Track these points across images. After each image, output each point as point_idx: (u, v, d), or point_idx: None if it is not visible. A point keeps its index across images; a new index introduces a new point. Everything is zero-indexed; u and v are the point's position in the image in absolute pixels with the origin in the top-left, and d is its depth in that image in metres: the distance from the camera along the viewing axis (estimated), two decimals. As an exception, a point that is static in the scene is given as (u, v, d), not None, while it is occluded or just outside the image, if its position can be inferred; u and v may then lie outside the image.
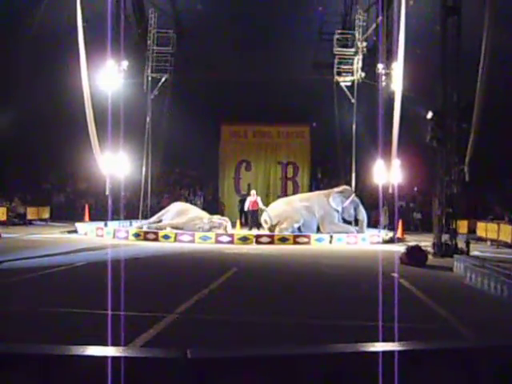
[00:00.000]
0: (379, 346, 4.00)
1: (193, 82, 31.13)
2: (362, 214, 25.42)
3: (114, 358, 3.21)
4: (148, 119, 30.47)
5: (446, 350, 3.93)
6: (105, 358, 3.27)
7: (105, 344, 5.15)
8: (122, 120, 24.78)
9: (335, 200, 25.03)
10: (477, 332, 7.71)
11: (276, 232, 23.83)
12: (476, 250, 19.78)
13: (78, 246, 18.74)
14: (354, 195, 25.61)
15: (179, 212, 24.87)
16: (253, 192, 26.94)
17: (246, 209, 26.64)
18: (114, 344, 5.46)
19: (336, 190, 25.85)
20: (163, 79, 31.27)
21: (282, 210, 24.87)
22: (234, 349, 3.78)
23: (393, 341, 5.73)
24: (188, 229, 23.44)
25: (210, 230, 23.44)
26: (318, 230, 24.43)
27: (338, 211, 24.94)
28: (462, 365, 3.71)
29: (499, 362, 3.73)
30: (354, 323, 8.25)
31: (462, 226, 23.36)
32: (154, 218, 25.66)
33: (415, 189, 34.39)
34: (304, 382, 3.41)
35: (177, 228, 23.59)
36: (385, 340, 5.97)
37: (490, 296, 11.17)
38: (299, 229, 24.26)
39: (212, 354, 3.55)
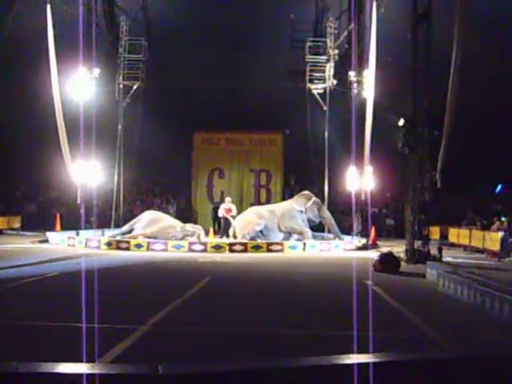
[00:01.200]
0: (354, 358, 3.96)
1: (165, 89, 30.99)
2: (327, 213, 25.66)
3: (83, 375, 3.14)
4: (120, 127, 30.25)
5: (422, 360, 3.90)
6: (74, 375, 3.20)
7: (74, 359, 5.04)
8: (94, 128, 24.55)
9: (298, 201, 25.40)
10: (451, 340, 7.71)
11: (239, 238, 23.86)
12: (448, 256, 19.90)
13: (50, 256, 18.49)
14: (314, 198, 25.73)
15: (151, 221, 24.69)
16: (228, 199, 26.82)
17: (220, 215, 26.46)
18: (85, 358, 5.36)
19: (298, 194, 26.25)
20: (135, 87, 31.09)
21: (245, 217, 24.95)
22: (207, 363, 3.71)
23: (367, 351, 5.68)
24: (161, 237, 23.30)
25: (183, 238, 23.32)
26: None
27: (301, 211, 25.01)
28: (438, 375, 3.68)
29: (475, 372, 3.70)
30: (328, 333, 8.21)
31: (435, 232, 23.58)
32: (126, 227, 25.45)
33: (387, 194, 34.56)
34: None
35: (150, 237, 23.42)
36: (359, 350, 5.93)
37: (463, 303, 11.20)
38: (261, 232, 24.21)
39: (184, 369, 3.49)
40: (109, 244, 22.54)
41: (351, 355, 4.31)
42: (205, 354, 6.92)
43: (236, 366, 3.58)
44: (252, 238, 23.69)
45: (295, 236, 24.64)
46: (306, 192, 26.57)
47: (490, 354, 4.17)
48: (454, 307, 11.11)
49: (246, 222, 24.68)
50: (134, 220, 25.57)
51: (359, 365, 3.51)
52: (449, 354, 5.02)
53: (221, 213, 26.33)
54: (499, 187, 33.68)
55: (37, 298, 11.12)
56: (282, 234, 24.71)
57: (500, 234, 21.43)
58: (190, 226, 24.62)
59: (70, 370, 3.31)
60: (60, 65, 24.41)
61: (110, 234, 26.08)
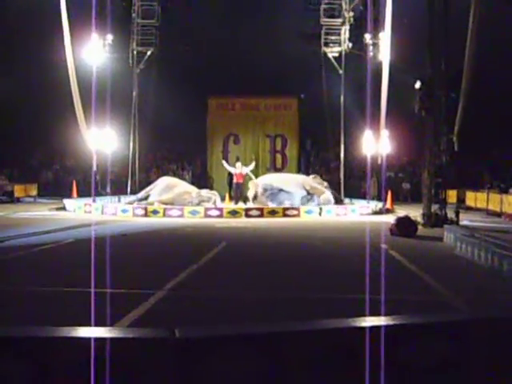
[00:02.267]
0: (369, 321, 3.95)
1: (179, 55, 30.83)
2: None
3: (100, 339, 3.16)
4: (134, 94, 30.18)
5: (439, 323, 3.88)
6: (91, 339, 3.21)
7: (91, 324, 5.07)
8: (108, 95, 24.51)
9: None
10: (468, 303, 7.68)
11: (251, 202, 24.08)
12: (466, 220, 19.80)
13: (66, 224, 18.60)
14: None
15: (167, 187, 24.71)
16: (238, 164, 26.54)
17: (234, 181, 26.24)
18: (102, 324, 5.40)
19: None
20: (149, 53, 30.92)
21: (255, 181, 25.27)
22: (223, 327, 3.71)
23: (382, 314, 5.67)
24: (177, 204, 23.33)
25: (198, 204, 23.34)
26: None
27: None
28: (454, 337, 3.67)
29: (491, 334, 3.68)
30: (344, 296, 8.20)
31: (452, 195, 23.45)
32: (142, 193, 25.51)
33: (404, 158, 34.35)
34: (294, 359, 3.36)
35: (166, 203, 23.46)
36: (374, 313, 5.92)
37: (481, 266, 11.15)
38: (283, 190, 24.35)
39: (200, 333, 3.50)
40: (125, 211, 22.63)
41: (365, 318, 4.30)
42: (220, 318, 6.95)
43: (251, 330, 3.58)
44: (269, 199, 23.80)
45: (315, 200, 24.51)
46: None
47: (507, 317, 4.15)
48: (471, 270, 11.06)
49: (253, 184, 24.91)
50: (150, 186, 25.61)
51: (372, 327, 3.50)
52: (465, 316, 4.99)
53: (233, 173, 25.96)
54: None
55: (52, 264, 11.20)
56: (303, 192, 24.60)
57: (518, 197, 21.29)
58: (205, 192, 24.64)
59: (87, 333, 3.33)
60: (73, 32, 24.28)
61: (127, 200, 26.16)
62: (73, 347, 3.20)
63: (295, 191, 24.57)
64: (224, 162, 27.03)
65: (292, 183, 25.17)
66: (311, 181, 25.46)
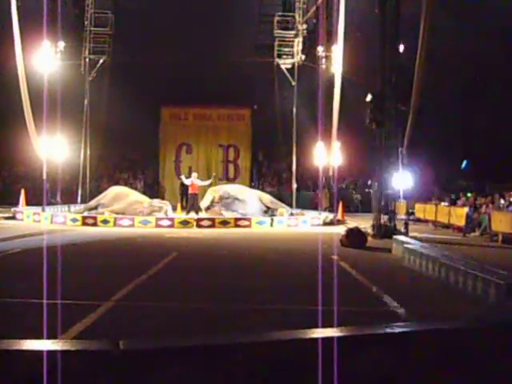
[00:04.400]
0: (317, 333, 3.96)
1: (132, 63, 30.66)
2: None
3: (45, 351, 3.12)
4: (86, 102, 29.88)
5: (386, 334, 3.92)
6: (35, 351, 3.18)
7: (37, 336, 4.98)
8: (59, 102, 24.23)
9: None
10: (414, 314, 7.78)
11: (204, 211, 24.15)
12: (415, 231, 20.07)
13: (14, 232, 18.27)
14: None
15: (118, 196, 24.50)
16: (194, 174, 26.38)
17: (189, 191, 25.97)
18: (48, 335, 5.30)
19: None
20: (101, 61, 30.67)
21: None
22: (168, 339, 3.68)
23: (332, 325, 5.70)
24: (128, 213, 23.14)
25: (150, 214, 23.17)
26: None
27: None
28: (399, 348, 3.71)
29: (435, 345, 3.73)
30: (293, 307, 8.22)
31: (401, 207, 23.71)
32: (93, 203, 25.25)
33: (355, 170, 34.65)
34: (240, 372, 3.35)
35: (117, 213, 23.25)
36: (324, 324, 5.94)
37: (428, 277, 11.31)
38: (238, 199, 24.45)
39: (144, 345, 3.48)
40: (75, 220, 22.34)
41: (315, 329, 4.32)
42: (168, 330, 6.89)
43: (197, 342, 3.57)
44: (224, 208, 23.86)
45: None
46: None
47: (451, 328, 4.21)
48: (418, 282, 11.20)
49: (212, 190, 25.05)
50: (100, 196, 25.36)
51: (323, 339, 3.51)
52: (412, 327, 5.05)
53: (188, 185, 25.77)
54: (465, 163, 34.05)
55: None
56: (260, 206, 24.75)
57: (465, 210, 21.67)
58: (157, 202, 24.49)
59: (31, 346, 3.28)
60: (24, 38, 23.95)
61: (75, 209, 25.81)
62: (15, 360, 3.14)
63: (251, 203, 24.65)
64: (183, 177, 26.75)
65: (248, 194, 25.32)
66: (268, 196, 25.81)
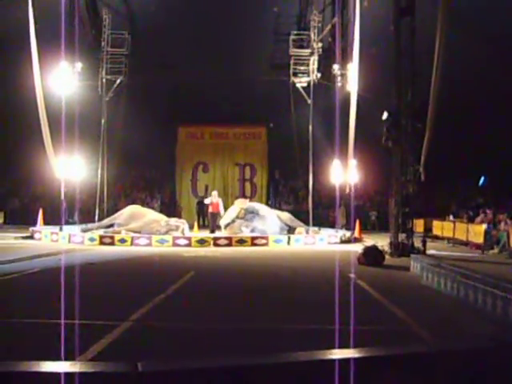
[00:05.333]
0: (336, 354, 3.94)
1: (148, 83, 30.87)
2: None
3: (62, 373, 3.13)
4: (103, 121, 30.09)
5: (404, 355, 3.90)
6: (52, 374, 3.18)
7: (55, 357, 4.99)
8: (76, 122, 24.45)
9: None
10: (434, 334, 7.71)
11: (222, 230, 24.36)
12: (433, 249, 19.96)
13: (33, 252, 18.33)
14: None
15: (135, 215, 24.59)
16: (214, 193, 26.51)
17: (209, 209, 26.11)
18: (65, 356, 5.32)
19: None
20: (118, 81, 30.91)
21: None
22: (187, 360, 3.67)
23: (349, 346, 5.68)
24: (145, 232, 23.20)
25: (167, 232, 23.23)
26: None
27: None
28: (420, 369, 3.68)
29: (456, 365, 3.70)
30: (311, 327, 8.19)
31: (419, 225, 23.65)
32: (106, 221, 25.39)
33: (372, 188, 34.54)
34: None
35: (134, 232, 23.31)
36: (342, 345, 5.91)
37: (447, 296, 11.23)
38: (258, 214, 24.57)
39: (163, 367, 3.48)
40: (92, 239, 22.42)
41: (333, 350, 4.30)
42: (186, 351, 6.88)
43: (217, 363, 3.57)
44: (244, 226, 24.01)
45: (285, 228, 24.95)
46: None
47: (472, 348, 4.17)
48: (437, 300, 11.12)
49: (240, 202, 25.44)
50: (116, 214, 25.48)
51: (341, 360, 3.50)
52: (431, 347, 5.01)
53: (208, 204, 25.98)
54: (482, 179, 33.85)
55: (16, 294, 11.01)
56: (278, 224, 24.91)
57: (484, 227, 21.54)
58: (174, 221, 24.56)
59: (49, 368, 3.29)
60: (42, 59, 24.21)
61: (83, 227, 25.85)
62: (33, 383, 3.16)
63: (270, 220, 24.79)
64: (206, 199, 26.78)
65: (268, 212, 25.55)
66: (288, 214, 26.00)
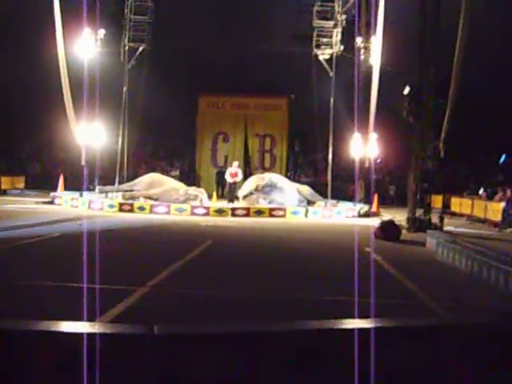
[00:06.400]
0: (353, 323, 4.02)
1: (170, 51, 30.80)
2: None
3: (80, 334, 3.22)
4: (125, 89, 30.11)
5: (417, 327, 3.97)
6: (71, 334, 3.27)
7: (72, 319, 5.12)
8: (98, 89, 24.49)
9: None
10: (446, 308, 7.79)
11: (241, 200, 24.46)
12: (450, 225, 19.95)
13: (53, 217, 18.58)
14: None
15: (154, 182, 24.72)
16: (235, 163, 26.63)
17: (227, 179, 26.25)
18: (83, 319, 5.45)
19: None
20: (140, 49, 30.84)
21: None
22: (202, 325, 3.78)
23: (364, 317, 5.76)
24: (163, 200, 23.35)
25: (185, 201, 23.35)
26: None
27: None
28: (431, 341, 3.75)
29: (466, 338, 3.77)
30: (326, 298, 8.29)
31: (437, 200, 23.57)
32: (124, 186, 25.57)
33: (378, 160, 34.15)
34: (274, 360, 3.42)
35: (151, 199, 23.48)
36: (356, 316, 6.00)
37: (461, 272, 11.29)
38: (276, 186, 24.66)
39: (179, 330, 3.56)
40: (112, 206, 22.63)
41: (345, 320, 4.38)
42: (201, 316, 7.01)
43: (233, 329, 3.64)
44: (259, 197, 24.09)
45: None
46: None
47: (482, 322, 4.24)
48: (451, 276, 11.19)
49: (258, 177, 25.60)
50: (136, 180, 25.63)
51: (352, 330, 3.57)
52: (442, 320, 5.09)
53: (227, 176, 26.21)
54: (503, 157, 33.60)
55: (37, 258, 11.22)
56: (297, 197, 24.98)
57: (502, 205, 21.46)
58: (192, 190, 24.66)
59: (66, 328, 3.39)
60: (65, 25, 24.21)
61: (100, 188, 26.10)
62: (51, 341, 3.25)
63: (289, 193, 24.86)
64: (227, 175, 26.78)
65: (287, 184, 25.61)
66: (308, 188, 26.02)
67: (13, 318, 5.09)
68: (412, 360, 3.63)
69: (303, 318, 4.33)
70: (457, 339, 3.79)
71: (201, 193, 24.27)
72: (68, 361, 3.16)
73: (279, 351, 3.44)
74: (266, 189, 24.63)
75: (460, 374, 3.72)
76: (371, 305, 6.49)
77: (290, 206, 23.55)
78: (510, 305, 8.50)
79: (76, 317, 5.21)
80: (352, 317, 6.09)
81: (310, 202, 25.07)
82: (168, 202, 23.10)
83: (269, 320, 6.66)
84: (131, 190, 24.88)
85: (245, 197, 24.60)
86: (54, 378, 3.15)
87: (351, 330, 3.56)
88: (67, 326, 3.41)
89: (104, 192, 25.16)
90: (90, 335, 3.21)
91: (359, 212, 24.06)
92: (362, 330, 3.54)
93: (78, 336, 3.18)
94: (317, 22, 30.91)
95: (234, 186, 25.61)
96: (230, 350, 3.36)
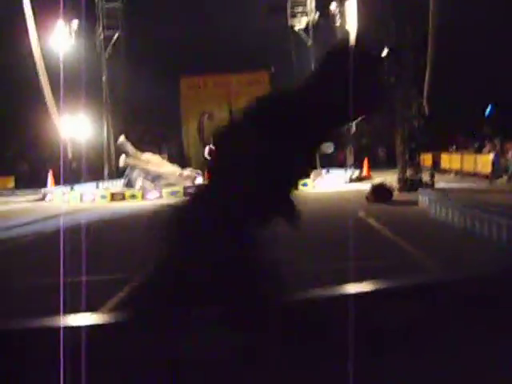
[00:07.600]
0: (342, 288, 4.06)
1: (146, 36, 30.63)
2: None
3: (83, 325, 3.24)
4: (104, 78, 29.98)
5: (412, 286, 4.02)
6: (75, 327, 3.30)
7: (75, 311, 5.16)
8: (78, 82, 24.34)
9: None
10: (442, 265, 7.87)
11: None
12: (441, 182, 20.04)
13: (47, 213, 18.52)
14: None
15: (152, 160, 24.96)
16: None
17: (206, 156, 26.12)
18: (85, 310, 5.49)
19: None
20: (115, 36, 30.65)
21: None
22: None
23: (356, 281, 5.82)
24: (173, 181, 23.65)
25: (178, 183, 23.52)
26: None
27: None
28: (427, 300, 3.80)
29: (463, 295, 3.82)
30: (320, 266, 8.33)
31: (427, 159, 23.68)
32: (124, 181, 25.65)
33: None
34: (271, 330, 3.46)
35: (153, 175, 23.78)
36: (348, 280, 6.05)
37: (454, 227, 11.37)
38: None
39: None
40: (103, 196, 22.67)
41: (342, 285, 4.42)
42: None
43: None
44: None
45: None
46: None
47: (477, 276, 4.29)
48: (444, 232, 11.26)
49: None
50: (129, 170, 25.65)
51: (347, 295, 3.62)
52: (437, 277, 5.14)
53: (206, 153, 25.94)
54: (489, 108, 33.45)
55: (35, 255, 11.22)
56: None
57: (491, 156, 21.55)
58: (188, 171, 24.81)
59: (70, 321, 3.41)
60: (37, 20, 23.98)
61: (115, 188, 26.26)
62: (54, 335, 3.28)
63: None
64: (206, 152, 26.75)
65: None
66: None
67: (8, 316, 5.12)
68: (408, 319, 3.68)
69: (299, 287, 4.36)
70: (452, 295, 3.83)
71: (195, 173, 24.40)
72: (71, 353, 3.18)
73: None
74: None
75: (458, 333, 3.78)
76: (364, 267, 6.54)
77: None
78: (505, 256, 8.58)
79: (77, 309, 5.26)
80: (345, 281, 6.15)
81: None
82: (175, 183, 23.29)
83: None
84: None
85: None
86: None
87: (344, 296, 3.59)
88: (68, 319, 3.43)
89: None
90: (94, 325, 3.23)
91: (351, 177, 24.12)
92: (355, 295, 3.58)
93: (81, 328, 3.20)
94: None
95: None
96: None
